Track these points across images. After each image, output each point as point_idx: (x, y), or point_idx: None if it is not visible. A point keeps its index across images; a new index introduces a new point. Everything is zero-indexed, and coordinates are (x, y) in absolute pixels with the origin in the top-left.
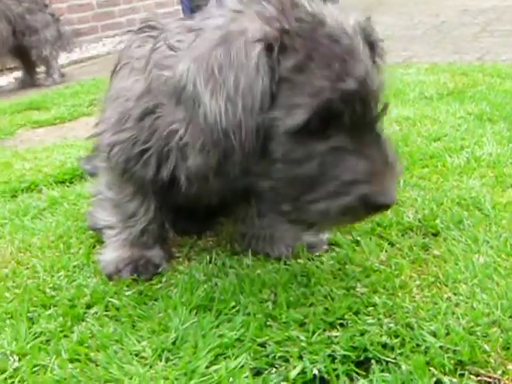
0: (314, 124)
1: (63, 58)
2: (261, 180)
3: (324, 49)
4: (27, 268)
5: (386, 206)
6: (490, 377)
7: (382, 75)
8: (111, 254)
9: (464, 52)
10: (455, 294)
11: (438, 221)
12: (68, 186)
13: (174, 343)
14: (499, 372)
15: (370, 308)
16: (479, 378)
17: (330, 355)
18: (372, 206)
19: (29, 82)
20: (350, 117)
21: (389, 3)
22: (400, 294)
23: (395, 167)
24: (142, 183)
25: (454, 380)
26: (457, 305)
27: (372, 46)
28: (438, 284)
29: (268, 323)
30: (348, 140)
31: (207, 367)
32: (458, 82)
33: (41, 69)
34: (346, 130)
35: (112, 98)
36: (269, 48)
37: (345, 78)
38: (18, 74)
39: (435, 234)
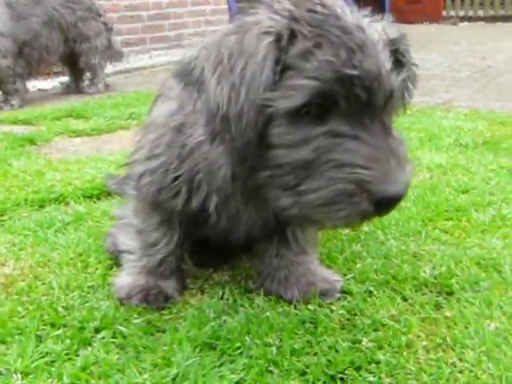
0: (312, 107)
1: (109, 67)
2: (260, 172)
3: (333, 38)
4: (43, 284)
5: (390, 199)
6: None
7: (401, 79)
8: (126, 278)
9: (506, 100)
10: (461, 360)
11: (453, 280)
12: (95, 202)
13: (174, 379)
14: None
15: (373, 365)
16: None
17: None
18: (372, 196)
19: (73, 88)
20: (350, 104)
21: (442, 41)
22: (405, 354)
23: (403, 159)
24: (170, 214)
25: None
26: (461, 371)
27: (400, 62)
28: (445, 347)
29: (270, 369)
30: (347, 126)
31: None
32: (495, 132)
33: (86, 76)
34: (346, 117)
35: (146, 127)
36: (278, 38)
37: (350, 66)
38: (64, 78)
39: (449, 293)
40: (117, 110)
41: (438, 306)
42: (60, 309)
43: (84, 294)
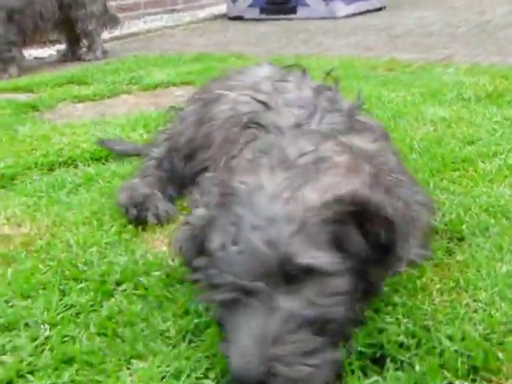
0: None
1: (104, 34)
2: None
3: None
4: (61, 242)
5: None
6: None
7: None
8: None
9: (507, 54)
10: (474, 301)
11: (464, 226)
12: (104, 164)
13: (197, 326)
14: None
15: (390, 307)
16: None
17: (346, 350)
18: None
19: (70, 55)
20: None
21: None
22: (420, 296)
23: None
24: None
25: None
26: (475, 311)
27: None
28: (459, 289)
29: None
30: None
31: None
32: (498, 85)
33: (83, 43)
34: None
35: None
36: (195, 230)
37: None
38: (60, 46)
39: (460, 239)
40: (117, 75)
41: (449, 252)
42: (80, 264)
43: (102, 250)
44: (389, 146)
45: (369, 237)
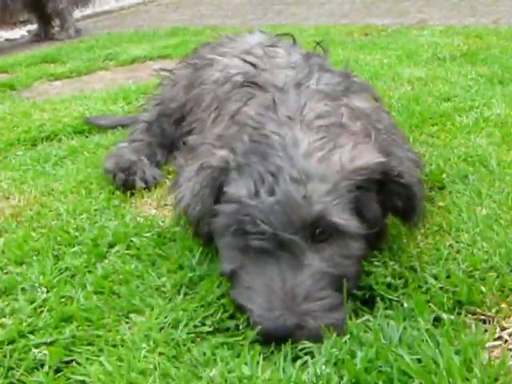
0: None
1: (76, 12)
2: None
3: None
4: (51, 211)
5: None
6: (485, 315)
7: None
8: None
9: (480, 15)
10: (457, 242)
11: (444, 175)
12: (87, 137)
13: (191, 280)
14: (494, 311)
15: (376, 251)
16: (475, 316)
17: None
18: (259, 333)
19: (42, 35)
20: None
21: None
22: (405, 240)
23: (291, 298)
24: None
25: (452, 317)
26: (458, 251)
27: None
28: (442, 232)
29: None
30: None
31: (221, 298)
32: (472, 45)
33: (55, 23)
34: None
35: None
36: (214, 172)
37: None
38: (31, 27)
39: (441, 188)
40: (92, 53)
41: (431, 200)
42: (71, 230)
43: (92, 216)
44: (381, 104)
45: (385, 204)
